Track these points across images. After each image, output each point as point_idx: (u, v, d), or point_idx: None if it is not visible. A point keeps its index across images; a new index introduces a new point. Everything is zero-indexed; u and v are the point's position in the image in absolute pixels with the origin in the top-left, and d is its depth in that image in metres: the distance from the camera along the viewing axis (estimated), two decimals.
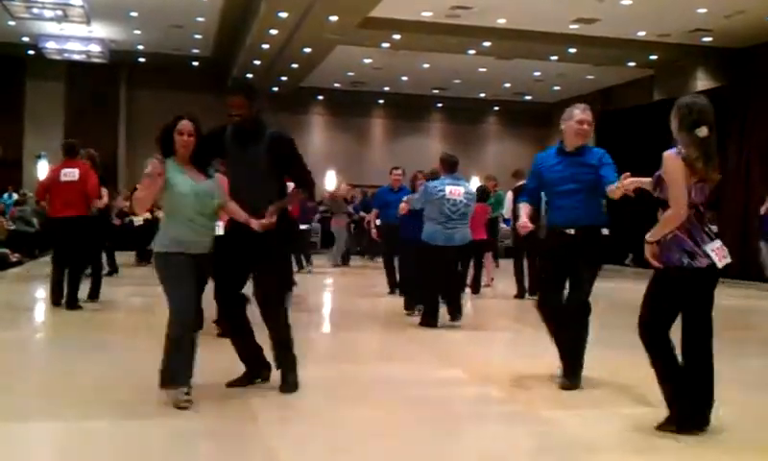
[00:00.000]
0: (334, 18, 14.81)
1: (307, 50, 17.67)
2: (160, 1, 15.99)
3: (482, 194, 10.68)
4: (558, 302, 5.01)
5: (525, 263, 10.48)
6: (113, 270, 12.16)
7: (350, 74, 21.68)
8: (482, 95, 24.22)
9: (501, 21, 15.70)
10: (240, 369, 4.78)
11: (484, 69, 20.30)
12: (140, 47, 20.38)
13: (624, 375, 5.11)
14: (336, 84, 23.08)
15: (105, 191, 9.11)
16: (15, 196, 18.31)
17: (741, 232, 14.61)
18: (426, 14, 15.53)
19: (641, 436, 3.93)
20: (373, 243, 14.22)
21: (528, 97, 24.24)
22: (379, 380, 5.28)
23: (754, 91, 15.50)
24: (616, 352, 5.72)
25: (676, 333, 3.99)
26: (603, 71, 19.98)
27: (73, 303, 8.25)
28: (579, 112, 4.97)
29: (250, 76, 19.18)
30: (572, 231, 4.89)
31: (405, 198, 8.53)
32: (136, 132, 21.19)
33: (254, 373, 4.74)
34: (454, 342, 7.14)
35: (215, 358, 4.96)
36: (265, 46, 17.29)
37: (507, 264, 12.65)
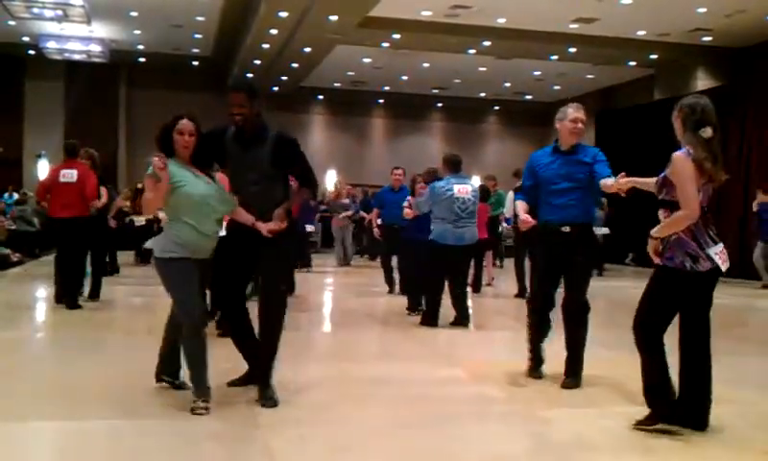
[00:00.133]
0: (334, 18, 14.81)
1: (307, 49, 17.67)
2: (160, 1, 15.99)
3: (482, 193, 10.68)
4: (549, 298, 5.09)
5: (527, 262, 10.46)
6: (114, 270, 12.18)
7: (350, 73, 21.68)
8: (482, 95, 24.23)
9: (501, 21, 15.70)
10: (241, 369, 4.79)
11: (484, 69, 20.30)
12: (140, 47, 20.38)
13: (624, 374, 5.10)
14: (336, 84, 23.09)
15: (104, 190, 9.12)
16: (16, 196, 18.31)
17: (741, 232, 14.64)
18: (426, 14, 15.53)
19: (641, 435, 3.93)
20: (374, 243, 14.23)
21: (528, 96, 24.25)
22: (379, 380, 5.28)
23: (754, 91, 15.52)
24: (616, 352, 5.72)
25: (675, 334, 4.00)
26: (603, 71, 19.98)
27: (73, 303, 8.27)
28: (573, 111, 5.05)
29: (250, 75, 19.17)
30: (567, 229, 4.95)
31: (406, 202, 8.47)
32: (136, 131, 21.20)
33: (256, 372, 4.72)
34: (454, 341, 7.15)
35: (215, 358, 4.94)
36: (265, 46, 17.29)
37: (509, 263, 12.66)
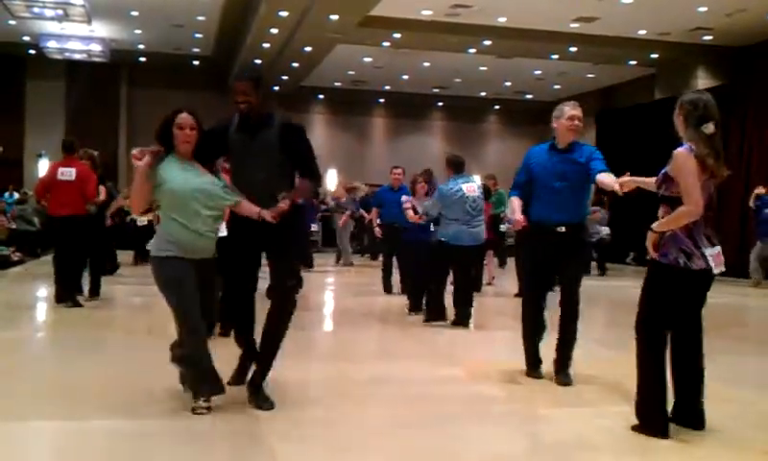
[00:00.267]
0: (334, 17, 14.81)
1: (308, 49, 17.68)
2: (161, 0, 16.00)
3: (484, 193, 10.67)
4: (543, 296, 5.13)
5: None
6: (114, 267, 12.20)
7: (351, 73, 21.68)
8: (483, 94, 24.22)
9: (502, 20, 15.69)
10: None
11: (484, 68, 20.29)
12: (141, 46, 20.38)
13: (623, 373, 5.09)
14: (337, 83, 23.08)
15: (102, 189, 9.13)
16: (16, 195, 18.32)
17: (740, 231, 14.63)
18: (427, 13, 15.53)
19: (641, 435, 3.93)
20: (374, 242, 14.22)
21: (529, 96, 24.23)
22: (379, 379, 5.27)
23: (755, 90, 15.51)
24: (616, 351, 5.72)
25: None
26: (604, 70, 19.97)
27: (73, 302, 8.29)
28: (570, 109, 5.06)
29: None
30: (562, 228, 4.95)
31: (405, 202, 8.45)
32: (137, 131, 21.18)
33: (246, 371, 4.63)
34: (454, 340, 7.14)
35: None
36: (266, 45, 17.29)
37: (511, 262, 12.67)
